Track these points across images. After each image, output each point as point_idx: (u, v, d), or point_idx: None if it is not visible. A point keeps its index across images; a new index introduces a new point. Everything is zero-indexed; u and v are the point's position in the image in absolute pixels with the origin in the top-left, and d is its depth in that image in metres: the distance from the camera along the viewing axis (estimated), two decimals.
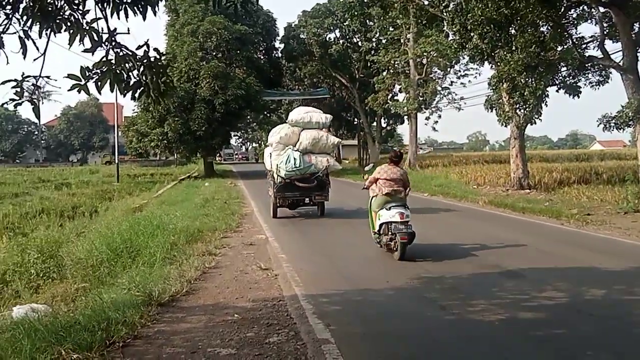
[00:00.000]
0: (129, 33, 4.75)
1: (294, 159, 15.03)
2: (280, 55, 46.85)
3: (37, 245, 11.39)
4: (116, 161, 40.53)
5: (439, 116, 40.37)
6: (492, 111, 21.96)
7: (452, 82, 40.52)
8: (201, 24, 36.90)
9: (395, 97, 44.79)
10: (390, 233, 9.44)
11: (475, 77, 40.52)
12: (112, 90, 4.65)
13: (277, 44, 46.53)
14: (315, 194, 15.50)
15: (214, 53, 38.65)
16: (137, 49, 4.69)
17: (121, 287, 7.48)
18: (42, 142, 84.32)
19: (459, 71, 39.85)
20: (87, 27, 4.40)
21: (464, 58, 35.23)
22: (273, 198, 15.57)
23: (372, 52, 43.00)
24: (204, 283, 8.03)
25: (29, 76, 4.37)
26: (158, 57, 4.79)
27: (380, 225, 9.65)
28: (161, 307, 6.68)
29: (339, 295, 7.23)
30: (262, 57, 43.81)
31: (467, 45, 20.11)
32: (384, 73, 40.67)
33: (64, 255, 10.85)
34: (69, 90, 4.50)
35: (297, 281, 8.03)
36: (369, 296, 7.26)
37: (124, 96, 4.78)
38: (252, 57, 40.11)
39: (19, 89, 4.35)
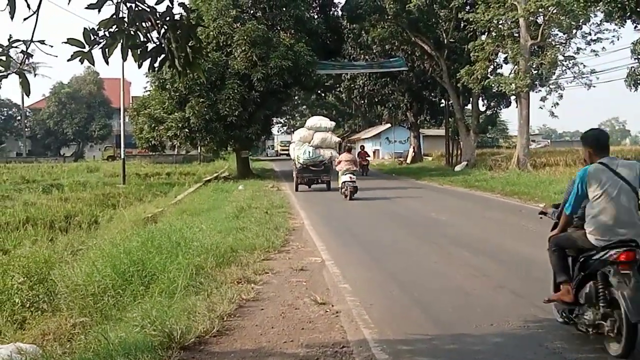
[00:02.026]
0: None
1: (309, 151, 29.44)
2: (340, 13, 46.78)
3: (22, 266, 11.76)
4: (122, 156, 41.03)
5: (560, 96, 38.65)
6: (636, 89, 21.36)
7: (578, 49, 39.41)
8: None
9: (499, 70, 44.06)
10: (345, 187, 23.91)
11: (613, 42, 38.74)
12: (124, 58, 4.71)
13: None
14: (323, 175, 29.94)
15: (252, 11, 39.09)
16: (156, 3, 4.75)
17: (132, 324, 7.60)
18: (27, 130, 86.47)
19: (589, 34, 38.73)
20: None
21: (596, 15, 34.38)
22: (295, 177, 30.09)
23: (467, 7, 42.47)
24: (241, 320, 8.09)
25: (17, 40, 4.47)
26: (185, 14, 4.84)
27: (341, 183, 24.29)
28: (185, 352, 6.76)
29: (424, 342, 7.16)
30: (316, 17, 43.95)
31: None
32: (484, 37, 40.12)
33: (57, 279, 11.12)
34: (69, 60, 4.58)
35: (366, 321, 7.99)
36: (467, 344, 7.14)
37: (140, 66, 4.84)
38: (302, 17, 39.89)
39: (4, 58, 4.46)
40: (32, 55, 4.68)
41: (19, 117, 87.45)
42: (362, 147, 45.05)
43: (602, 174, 6.38)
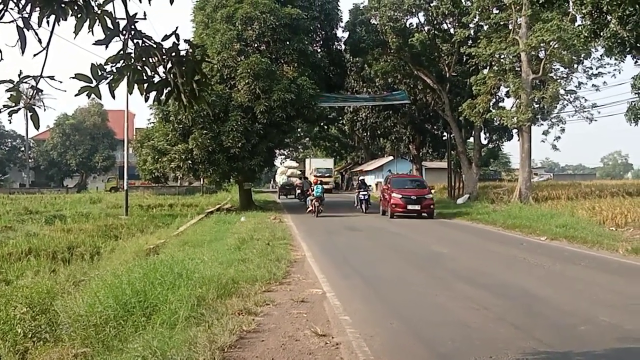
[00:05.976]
0: (145, 18, 4.84)
1: (284, 178, 67.48)
2: (343, 47, 47.05)
3: (24, 297, 11.81)
4: (125, 187, 41.24)
5: (562, 130, 39.10)
6: (636, 124, 21.50)
7: (580, 83, 39.69)
8: (239, 6, 37.57)
9: (501, 104, 44.31)
10: (299, 196, 51.11)
11: (614, 76, 38.78)
12: (130, 92, 4.84)
13: (339, 33, 46.83)
14: (292, 191, 57.57)
15: (256, 45, 39.30)
16: (163, 39, 4.88)
17: (133, 354, 7.66)
18: (30, 161, 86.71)
19: (590, 68, 39.01)
20: (99, 11, 4.59)
21: (597, 50, 34.66)
22: (278, 191, 64.02)
23: (469, 42, 42.80)
24: (242, 352, 8.13)
25: (27, 76, 4.60)
26: (191, 50, 4.98)
27: (297, 194, 53.55)
28: None
29: None
30: (319, 50, 44.05)
31: (602, 33, 19.84)
32: (486, 71, 40.36)
33: (59, 310, 11.19)
34: (76, 95, 4.70)
35: (366, 353, 8.04)
36: None
37: (147, 100, 4.96)
38: (305, 50, 40.02)
39: (14, 93, 4.59)
40: (42, 91, 4.81)
41: (22, 148, 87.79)
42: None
43: None
